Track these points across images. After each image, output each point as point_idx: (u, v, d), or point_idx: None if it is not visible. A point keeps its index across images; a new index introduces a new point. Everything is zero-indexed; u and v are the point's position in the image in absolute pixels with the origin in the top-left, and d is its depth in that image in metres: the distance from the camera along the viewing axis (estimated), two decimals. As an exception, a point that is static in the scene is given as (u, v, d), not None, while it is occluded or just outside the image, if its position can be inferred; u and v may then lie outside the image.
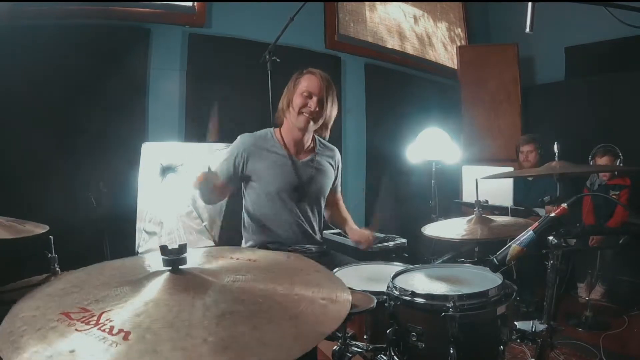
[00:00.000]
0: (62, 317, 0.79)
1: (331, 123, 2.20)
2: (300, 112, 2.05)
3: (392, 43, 4.62)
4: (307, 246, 2.15)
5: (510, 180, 3.67)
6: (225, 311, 0.80)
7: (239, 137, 2.14)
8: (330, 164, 2.26)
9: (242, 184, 2.17)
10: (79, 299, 0.87)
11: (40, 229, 1.65)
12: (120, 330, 0.73)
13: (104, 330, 0.73)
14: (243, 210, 2.19)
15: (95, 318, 0.77)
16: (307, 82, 2.06)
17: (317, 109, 2.05)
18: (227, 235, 2.40)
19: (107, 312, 0.79)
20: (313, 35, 3.95)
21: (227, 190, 2.15)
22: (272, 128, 2.20)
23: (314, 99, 2.05)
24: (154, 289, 0.87)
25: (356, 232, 2.19)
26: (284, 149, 2.13)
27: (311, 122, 2.07)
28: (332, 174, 2.26)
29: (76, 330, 0.74)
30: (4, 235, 1.46)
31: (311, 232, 2.18)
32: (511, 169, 3.76)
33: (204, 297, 0.85)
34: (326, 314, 0.86)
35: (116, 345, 0.69)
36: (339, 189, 2.39)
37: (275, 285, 0.95)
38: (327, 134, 2.24)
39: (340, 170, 2.35)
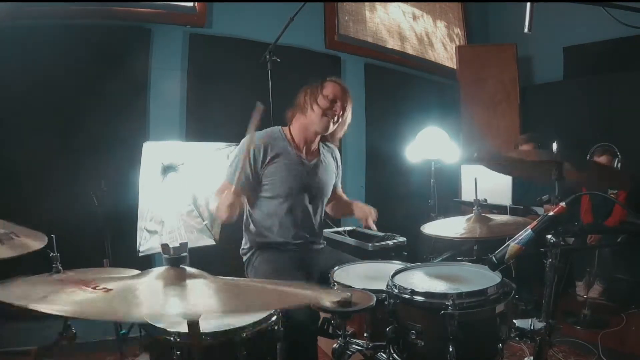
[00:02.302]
0: (59, 283, 0.88)
1: (343, 132, 2.22)
2: (324, 114, 2.07)
3: (392, 43, 4.63)
4: (306, 244, 2.16)
5: (509, 179, 3.68)
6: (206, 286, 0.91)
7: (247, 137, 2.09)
8: (332, 165, 2.28)
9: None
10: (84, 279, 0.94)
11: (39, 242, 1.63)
12: (104, 288, 0.83)
13: (87, 287, 0.83)
14: (245, 211, 2.19)
15: (87, 284, 0.86)
16: (332, 88, 2.09)
17: (341, 113, 2.10)
18: (228, 234, 2.41)
19: (101, 283, 0.87)
20: (313, 35, 3.96)
21: (243, 197, 2.05)
22: (280, 127, 2.19)
23: (339, 103, 2.09)
24: (153, 275, 0.93)
25: (360, 208, 2.22)
26: (295, 149, 2.12)
27: (331, 126, 2.10)
28: (333, 175, 2.28)
29: (64, 288, 0.83)
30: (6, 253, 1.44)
31: (313, 231, 2.19)
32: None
33: (193, 280, 0.92)
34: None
35: (95, 295, 0.80)
36: (340, 185, 2.43)
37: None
38: (336, 143, 2.28)
39: (340, 168, 2.37)
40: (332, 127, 2.12)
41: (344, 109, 2.12)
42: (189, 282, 0.90)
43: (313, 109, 2.08)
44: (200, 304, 0.87)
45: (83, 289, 0.81)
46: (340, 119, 2.13)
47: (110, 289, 0.82)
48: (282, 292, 0.99)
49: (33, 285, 0.84)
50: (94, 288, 0.82)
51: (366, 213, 2.16)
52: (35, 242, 1.58)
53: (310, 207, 2.15)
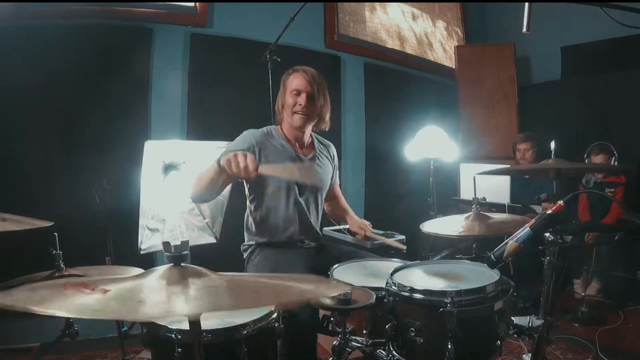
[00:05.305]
0: (61, 286, 0.86)
1: (327, 116, 2.18)
2: (294, 112, 2.06)
3: (391, 43, 4.64)
4: (306, 242, 2.18)
5: (508, 178, 3.69)
6: (209, 285, 0.88)
7: (245, 132, 2.11)
8: (328, 159, 2.30)
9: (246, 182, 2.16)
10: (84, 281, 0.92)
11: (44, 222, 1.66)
12: (103, 289, 0.82)
13: (87, 289, 0.82)
14: (247, 211, 2.20)
15: (88, 286, 0.85)
16: (295, 81, 2.08)
17: (307, 104, 2.06)
18: (228, 232, 2.42)
19: (102, 285, 0.86)
20: (313, 35, 3.98)
21: (227, 185, 2.07)
22: (274, 125, 2.21)
23: (303, 95, 2.05)
24: (154, 275, 0.93)
25: (355, 221, 2.29)
26: (289, 144, 2.14)
27: (307, 120, 2.08)
28: (330, 170, 2.30)
29: (65, 290, 0.82)
30: (11, 227, 1.47)
31: (311, 227, 2.21)
32: (508, 167, 3.80)
33: (196, 279, 0.91)
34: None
35: (92, 295, 0.79)
36: (337, 182, 2.43)
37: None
38: (327, 126, 2.23)
39: (337, 164, 2.37)
40: (309, 122, 2.10)
41: (310, 98, 2.05)
42: (191, 280, 0.90)
43: (284, 107, 2.09)
44: (203, 302, 0.86)
45: (84, 292, 0.81)
46: (314, 110, 2.08)
47: (108, 290, 0.81)
48: (285, 287, 0.99)
49: (34, 290, 0.82)
50: (93, 289, 0.82)
51: (362, 227, 2.24)
52: (38, 221, 1.62)
53: (308, 204, 2.16)
